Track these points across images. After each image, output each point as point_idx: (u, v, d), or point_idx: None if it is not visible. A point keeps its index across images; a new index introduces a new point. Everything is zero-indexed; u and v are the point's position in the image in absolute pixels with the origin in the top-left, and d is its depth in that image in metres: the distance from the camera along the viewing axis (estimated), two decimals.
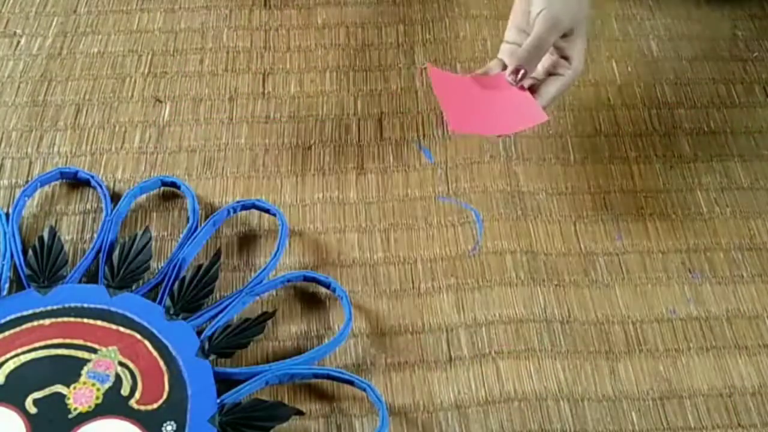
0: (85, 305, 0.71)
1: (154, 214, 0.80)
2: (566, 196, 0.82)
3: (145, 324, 0.70)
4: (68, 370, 0.67)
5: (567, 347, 0.73)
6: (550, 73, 0.75)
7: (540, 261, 0.77)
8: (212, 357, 0.70)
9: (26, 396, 0.66)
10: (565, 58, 0.74)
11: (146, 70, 0.90)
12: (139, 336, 0.69)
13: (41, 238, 0.76)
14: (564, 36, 0.74)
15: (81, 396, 0.66)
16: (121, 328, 0.70)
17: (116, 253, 0.75)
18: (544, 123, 0.75)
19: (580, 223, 0.80)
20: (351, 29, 0.94)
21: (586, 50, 0.75)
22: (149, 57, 0.91)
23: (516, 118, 0.73)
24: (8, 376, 0.67)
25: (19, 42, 0.92)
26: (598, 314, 0.75)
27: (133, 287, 0.73)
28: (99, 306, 0.71)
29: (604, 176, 0.83)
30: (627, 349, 0.73)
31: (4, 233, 0.75)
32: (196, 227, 0.77)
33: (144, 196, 0.81)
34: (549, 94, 0.74)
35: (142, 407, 0.66)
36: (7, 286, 0.73)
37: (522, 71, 0.72)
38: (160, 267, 0.76)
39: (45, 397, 0.66)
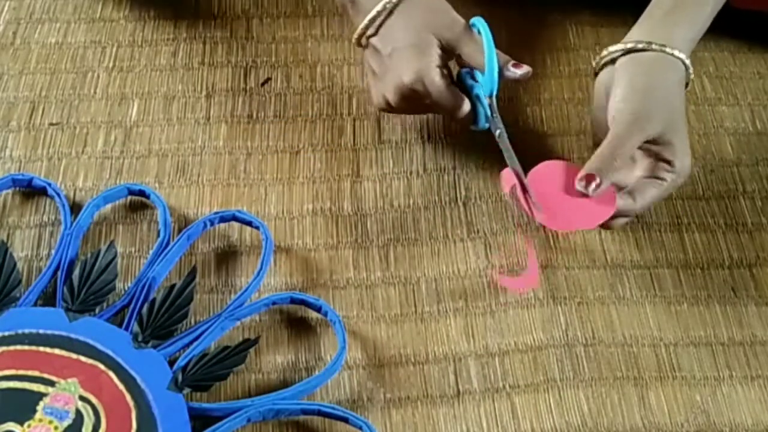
0: (41, 331, 0.71)
1: (120, 227, 0.80)
2: None
3: (110, 353, 0.71)
4: (22, 405, 0.67)
5: (591, 374, 0.73)
6: (648, 176, 0.73)
7: (560, 276, 0.78)
8: (186, 390, 0.70)
9: None
10: (665, 161, 0.73)
11: (111, 64, 0.91)
12: (102, 366, 0.70)
13: None
14: (655, 141, 0.72)
15: None
16: (83, 358, 0.70)
17: (77, 271, 0.75)
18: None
19: (605, 231, 0.81)
20: (345, 17, 0.95)
21: (687, 147, 0.73)
22: (114, 49, 0.92)
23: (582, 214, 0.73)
24: None
25: None
26: (625, 335, 0.76)
27: (96, 311, 0.74)
28: (57, 332, 0.71)
29: None
30: (659, 375, 0.74)
31: None
32: (168, 242, 0.78)
33: (108, 206, 0.81)
34: (645, 201, 0.73)
35: None
36: None
37: (595, 182, 0.70)
38: (126, 288, 0.76)
39: None
